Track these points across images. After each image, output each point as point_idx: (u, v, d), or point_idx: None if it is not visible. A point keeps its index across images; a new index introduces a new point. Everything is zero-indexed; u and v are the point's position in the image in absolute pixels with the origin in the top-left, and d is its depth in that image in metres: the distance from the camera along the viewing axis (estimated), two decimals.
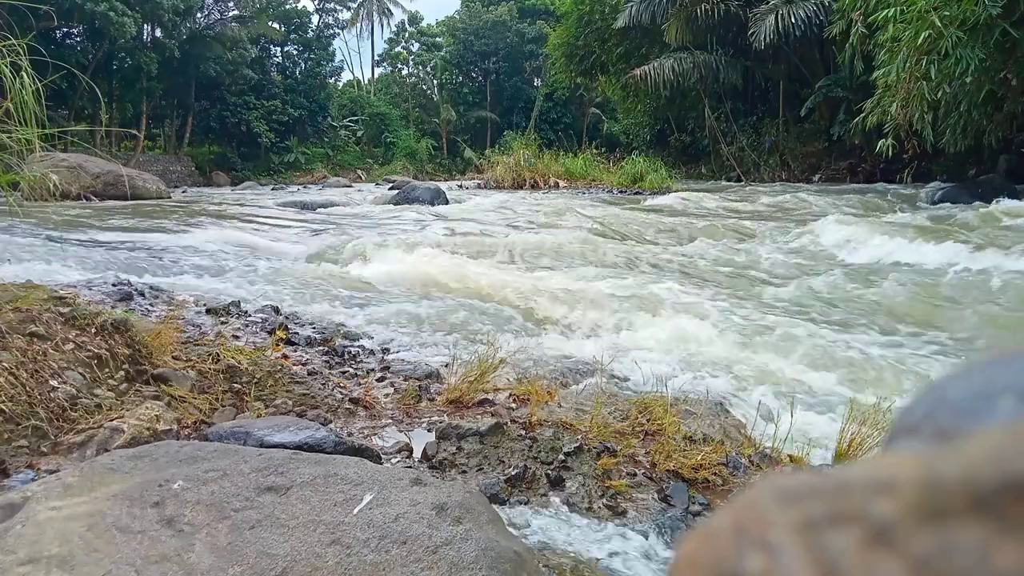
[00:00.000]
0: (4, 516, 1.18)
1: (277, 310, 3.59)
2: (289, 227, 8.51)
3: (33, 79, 2.35)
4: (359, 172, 40.43)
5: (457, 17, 47.41)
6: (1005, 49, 9.55)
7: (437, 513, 1.27)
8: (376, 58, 52.62)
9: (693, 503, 1.78)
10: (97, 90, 21.81)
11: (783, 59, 22.08)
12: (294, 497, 1.26)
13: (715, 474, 1.87)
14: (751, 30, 20.08)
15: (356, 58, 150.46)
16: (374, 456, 1.81)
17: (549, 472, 1.83)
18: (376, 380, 2.57)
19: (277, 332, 2.98)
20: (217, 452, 1.43)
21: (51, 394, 1.83)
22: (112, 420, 1.83)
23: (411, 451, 1.97)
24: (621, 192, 16.49)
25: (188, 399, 2.06)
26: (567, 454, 1.89)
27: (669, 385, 2.32)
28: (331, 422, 2.13)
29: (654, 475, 1.87)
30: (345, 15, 46.04)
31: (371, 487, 1.31)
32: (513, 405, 2.29)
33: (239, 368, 2.24)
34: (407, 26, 51.35)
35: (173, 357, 2.24)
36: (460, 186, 21.35)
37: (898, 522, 0.21)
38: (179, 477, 1.29)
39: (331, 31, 43.47)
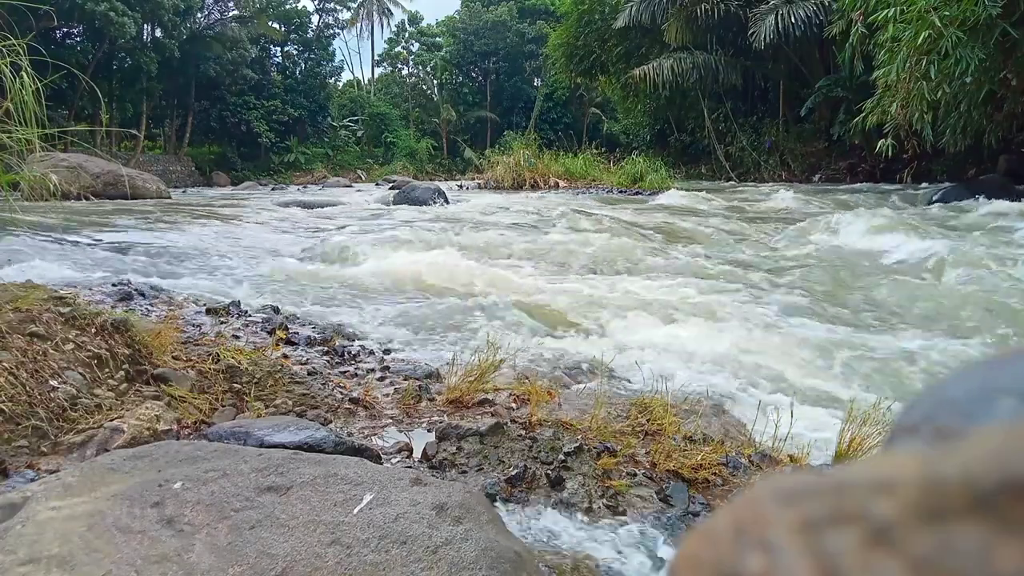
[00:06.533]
0: (4, 516, 1.19)
1: (277, 310, 3.59)
2: (289, 227, 8.51)
3: (33, 79, 2.35)
4: (359, 172, 40.44)
5: (457, 17, 47.42)
6: (1005, 49, 9.56)
7: (437, 513, 1.27)
8: (376, 58, 52.68)
9: (693, 503, 1.78)
10: (97, 90, 21.82)
11: (783, 59, 22.08)
12: (294, 497, 1.26)
13: (715, 474, 1.87)
14: (751, 30, 20.09)
15: (356, 58, 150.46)
16: (374, 456, 1.81)
17: (549, 472, 1.83)
18: (376, 380, 2.57)
19: (277, 332, 2.98)
20: (217, 452, 1.43)
21: (51, 394, 1.83)
22: (112, 420, 1.83)
23: (411, 451, 1.97)
24: (621, 192, 16.50)
25: (188, 399, 2.06)
26: (567, 454, 1.89)
27: (669, 385, 2.32)
28: (331, 422, 2.13)
29: (654, 475, 1.87)
30: (345, 15, 46.12)
31: (371, 487, 1.31)
32: (513, 405, 2.29)
33: (239, 368, 2.24)
34: (407, 26, 51.38)
35: (173, 357, 2.24)
36: (460, 186, 21.34)
37: (898, 522, 0.21)
38: (179, 477, 1.29)
39: (331, 31, 43.52)
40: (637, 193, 15.93)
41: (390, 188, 18.78)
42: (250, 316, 3.38)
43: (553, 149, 21.19)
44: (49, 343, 1.93)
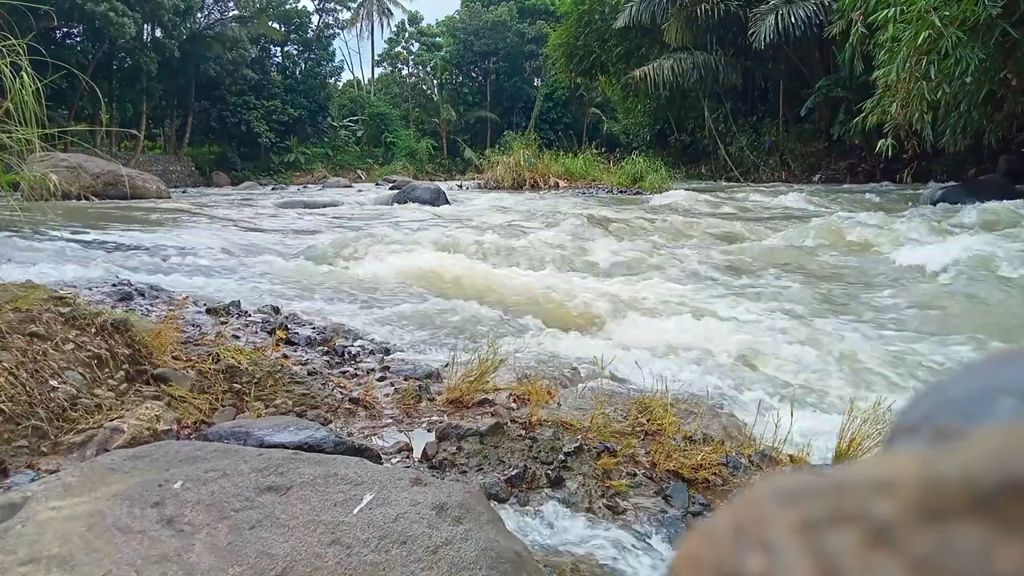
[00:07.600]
0: (4, 516, 1.19)
1: (277, 310, 3.59)
2: (289, 227, 8.51)
3: (33, 79, 2.35)
4: (359, 172, 40.45)
5: (457, 17, 47.42)
6: (1005, 49, 9.56)
7: (437, 513, 1.27)
8: (376, 58, 52.69)
9: (693, 503, 1.78)
10: (97, 90, 21.83)
11: (783, 59, 22.09)
12: (294, 497, 1.26)
13: (715, 474, 1.87)
14: (751, 30, 20.10)
15: (356, 58, 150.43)
16: (374, 456, 1.81)
17: (549, 472, 1.83)
18: (376, 380, 2.57)
19: (277, 332, 2.98)
20: (217, 452, 1.43)
21: (51, 394, 1.83)
22: (112, 420, 1.83)
23: (411, 451, 1.97)
24: (621, 192, 16.51)
25: (188, 399, 2.06)
26: (567, 454, 1.89)
27: (669, 385, 2.32)
28: (331, 422, 2.13)
29: (654, 475, 1.87)
30: (345, 15, 46.15)
31: (371, 487, 1.31)
32: (513, 405, 2.29)
33: (239, 368, 2.24)
34: (407, 26, 51.40)
35: (173, 357, 2.24)
36: (460, 186, 21.35)
37: (898, 522, 0.21)
38: (179, 477, 1.29)
39: (331, 31, 43.56)
40: (637, 193, 15.94)
41: (390, 188, 18.77)
42: (250, 316, 3.38)
43: (553, 149, 21.18)
44: (49, 343, 1.93)
